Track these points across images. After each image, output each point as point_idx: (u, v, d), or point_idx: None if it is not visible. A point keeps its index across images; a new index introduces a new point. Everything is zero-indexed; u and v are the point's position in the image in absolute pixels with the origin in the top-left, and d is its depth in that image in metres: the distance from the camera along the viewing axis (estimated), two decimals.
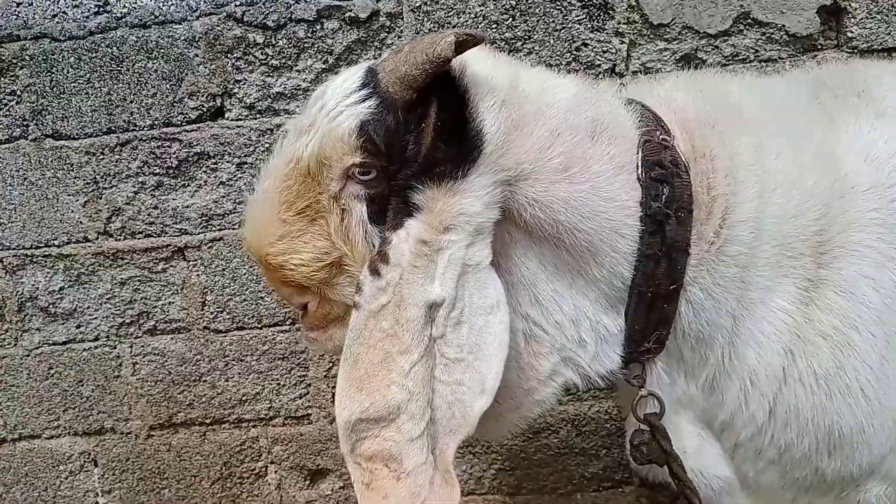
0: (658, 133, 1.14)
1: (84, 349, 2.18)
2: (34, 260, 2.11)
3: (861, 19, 1.84)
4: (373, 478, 1.02)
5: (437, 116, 1.02)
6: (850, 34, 1.85)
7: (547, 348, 1.11)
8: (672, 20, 1.86)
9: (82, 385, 2.20)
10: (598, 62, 1.90)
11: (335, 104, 1.07)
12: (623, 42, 1.89)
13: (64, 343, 2.18)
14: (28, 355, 2.19)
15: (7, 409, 2.23)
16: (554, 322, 1.11)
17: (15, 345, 2.19)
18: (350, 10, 1.90)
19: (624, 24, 1.87)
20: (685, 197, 1.10)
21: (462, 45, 0.99)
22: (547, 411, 1.16)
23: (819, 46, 1.88)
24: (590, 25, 1.88)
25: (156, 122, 2.00)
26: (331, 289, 1.13)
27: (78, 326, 2.16)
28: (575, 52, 1.90)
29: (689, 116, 1.21)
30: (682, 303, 1.13)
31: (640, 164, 1.10)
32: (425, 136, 1.02)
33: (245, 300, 2.10)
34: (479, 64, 1.07)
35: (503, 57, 1.15)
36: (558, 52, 1.90)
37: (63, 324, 2.16)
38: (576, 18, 1.88)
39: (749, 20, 1.86)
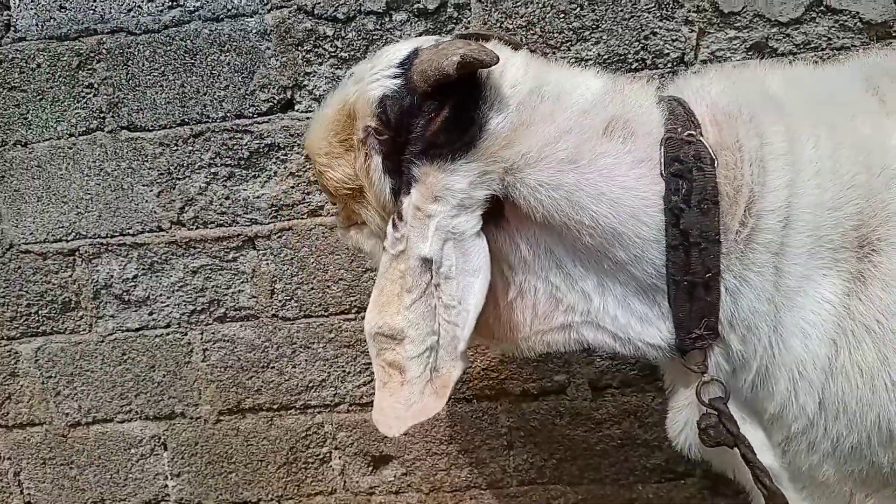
0: (682, 129, 1.21)
1: (156, 335, 2.24)
2: (109, 248, 2.18)
3: None
4: (389, 379, 1.28)
5: (448, 111, 1.21)
6: None
7: (564, 307, 1.28)
8: (743, 8, 1.85)
9: (154, 370, 2.26)
10: (667, 51, 1.90)
11: (378, 70, 1.28)
12: (692, 30, 1.88)
13: (137, 330, 2.24)
14: (102, 341, 2.26)
15: (82, 393, 2.31)
16: (578, 289, 1.27)
17: (90, 331, 2.26)
18: (418, 2, 1.92)
19: (694, 12, 1.86)
20: (708, 189, 1.17)
21: (465, 66, 1.16)
22: (554, 352, 1.35)
23: (894, 34, 1.85)
24: (658, 14, 1.88)
25: (228, 114, 2.05)
26: (353, 202, 1.40)
27: (150, 313, 2.22)
28: (643, 41, 1.89)
29: (719, 109, 1.26)
30: (722, 290, 1.18)
31: (661, 160, 1.19)
32: (433, 123, 1.21)
33: (312, 289, 2.14)
34: (510, 69, 1.25)
35: (538, 61, 1.32)
36: (626, 41, 1.89)
37: (136, 311, 2.22)
38: (644, 7, 1.88)
39: (822, 7, 1.83)
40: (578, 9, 1.89)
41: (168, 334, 2.24)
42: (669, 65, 1.90)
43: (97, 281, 2.21)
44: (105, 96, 2.08)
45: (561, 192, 1.18)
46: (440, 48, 1.22)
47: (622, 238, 1.19)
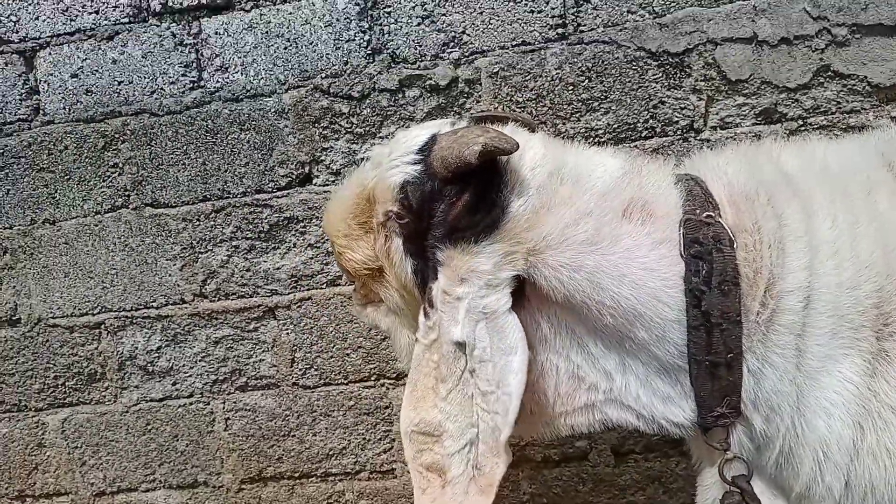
0: (700, 210, 1.22)
1: (179, 405, 2.27)
2: (134, 321, 2.23)
3: None
4: (428, 484, 1.24)
5: (470, 195, 1.22)
6: None
7: (586, 385, 1.27)
8: (750, 76, 1.88)
9: (177, 440, 2.29)
10: (676, 119, 1.92)
11: (397, 156, 1.30)
12: (701, 99, 1.91)
13: (161, 400, 2.28)
14: (127, 412, 2.30)
15: (107, 462, 2.34)
16: (600, 368, 1.26)
17: (115, 401, 2.30)
18: (430, 79, 1.98)
19: (701, 80, 1.90)
20: (728, 271, 1.17)
21: (487, 155, 1.18)
22: (579, 435, 1.40)
23: None
24: (666, 83, 1.91)
25: (248, 190, 2.11)
26: (372, 282, 1.41)
27: (174, 384, 2.26)
28: (652, 110, 1.93)
29: (736, 190, 1.26)
30: (745, 371, 1.18)
31: (681, 241, 1.20)
32: (455, 207, 1.22)
33: (332, 357, 2.16)
34: (528, 152, 1.26)
35: (555, 143, 1.34)
36: (635, 111, 1.93)
37: (160, 381, 2.26)
38: (652, 77, 1.91)
39: (829, 73, 1.86)
40: (587, 80, 1.93)
41: (191, 404, 2.27)
42: (679, 132, 1.93)
43: (122, 353, 2.26)
44: (129, 175, 2.15)
45: (582, 273, 1.19)
46: (459, 136, 1.23)
47: (643, 318, 1.19)
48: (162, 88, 2.11)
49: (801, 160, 1.32)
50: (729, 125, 1.92)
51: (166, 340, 2.23)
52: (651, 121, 1.93)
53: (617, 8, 1.91)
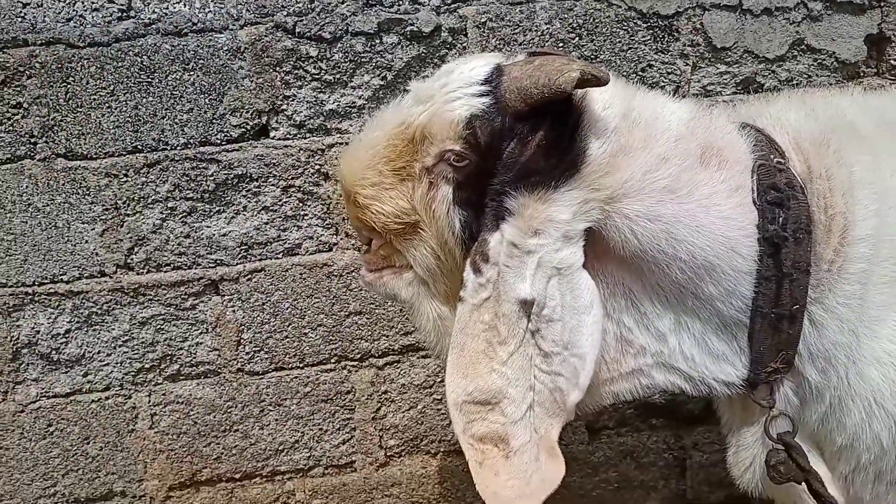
0: (772, 156, 1.19)
1: (92, 401, 1.90)
2: (35, 298, 1.83)
3: None
4: (485, 457, 1.11)
5: (545, 134, 1.10)
6: (893, 62, 1.94)
7: (635, 349, 1.19)
8: (734, 44, 1.88)
9: (88, 443, 1.91)
10: (663, 83, 1.89)
11: (456, 87, 1.14)
12: (687, 64, 1.89)
13: (67, 395, 1.89)
14: (22, 411, 1.88)
15: None
16: (654, 329, 1.18)
17: (4, 399, 1.88)
18: (412, 24, 1.80)
19: (689, 46, 1.88)
20: (802, 218, 1.14)
21: (583, 83, 1.07)
22: (620, 403, 1.30)
23: (862, 73, 1.96)
24: (655, 46, 1.87)
25: (191, 141, 1.80)
26: (399, 240, 1.23)
27: (85, 375, 1.88)
28: (641, 73, 1.88)
29: (803, 137, 1.24)
30: (806, 322, 1.15)
31: (754, 188, 1.15)
32: (527, 147, 1.10)
33: (287, 337, 1.90)
34: (598, 90, 1.14)
35: (621, 83, 1.23)
36: (624, 73, 1.87)
37: (67, 372, 1.88)
38: (641, 39, 1.87)
39: (803, 46, 1.91)
40: (577, 38, 1.85)
41: (107, 398, 1.90)
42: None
43: (18, 338, 1.84)
44: (37, 118, 1.76)
45: (659, 224, 1.11)
46: (539, 64, 1.10)
47: (716, 271, 1.13)
48: (82, 15, 1.75)
49: (861, 110, 1.32)
50: (710, 93, 1.92)
51: (78, 322, 1.85)
52: (639, 83, 1.88)
53: None
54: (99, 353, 1.87)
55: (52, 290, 1.83)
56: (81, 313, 1.85)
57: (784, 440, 1.19)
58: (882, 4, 1.90)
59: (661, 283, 1.15)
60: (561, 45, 1.84)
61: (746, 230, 1.13)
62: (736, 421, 1.31)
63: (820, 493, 1.16)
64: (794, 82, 1.93)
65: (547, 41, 1.84)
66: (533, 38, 1.84)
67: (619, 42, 1.86)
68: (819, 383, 1.18)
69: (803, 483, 1.18)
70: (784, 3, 1.87)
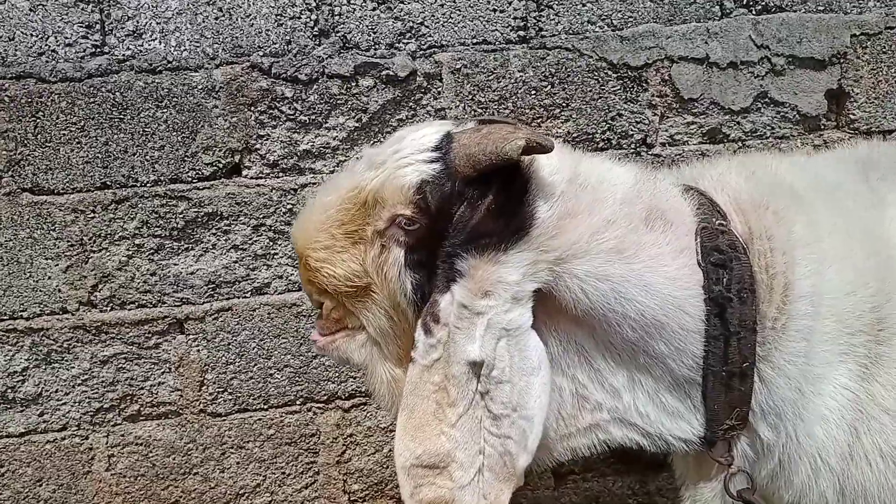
0: (714, 218, 1.22)
1: (47, 441, 1.84)
2: None
3: (861, 103, 2.00)
4: None
5: (494, 198, 1.11)
6: (852, 116, 2.01)
7: (591, 405, 1.19)
8: (700, 95, 1.93)
9: (41, 485, 1.85)
10: (632, 132, 1.93)
11: (408, 153, 1.15)
12: (655, 114, 1.93)
13: (21, 435, 1.83)
14: None
15: None
16: (608, 386, 1.18)
17: None
18: (388, 69, 1.82)
19: (657, 96, 1.92)
20: (746, 278, 1.16)
21: (529, 151, 1.09)
22: (579, 458, 1.23)
23: (822, 126, 2.02)
24: (624, 96, 1.91)
25: (161, 178, 1.79)
26: (351, 303, 1.21)
27: (41, 414, 1.83)
28: (610, 122, 1.92)
29: (744, 199, 1.27)
30: (756, 380, 1.17)
31: (698, 250, 1.17)
32: (478, 210, 1.11)
33: (251, 378, 1.87)
34: (545, 156, 1.15)
35: (567, 149, 1.27)
36: (595, 121, 1.91)
37: (22, 411, 1.82)
38: (612, 89, 1.91)
39: (767, 99, 1.97)
40: (549, 86, 1.88)
41: (63, 439, 1.84)
42: (633, 145, 1.94)
43: None
44: (4, 152, 1.74)
45: (608, 283, 1.12)
46: (487, 132, 1.12)
47: (665, 329, 1.14)
48: (54, 50, 1.74)
49: (798, 172, 1.35)
50: (677, 142, 1.96)
51: (36, 360, 1.80)
52: (608, 132, 1.92)
53: (577, 17, 1.89)
54: (57, 391, 1.82)
55: (10, 327, 1.79)
56: (40, 350, 1.80)
57: (744, 497, 1.19)
58: (842, 61, 1.97)
59: (613, 340, 1.16)
60: (534, 92, 1.88)
61: (692, 290, 1.14)
62: (692, 476, 1.31)
63: None
64: (758, 133, 1.98)
65: (520, 88, 1.87)
66: (506, 85, 1.87)
67: (590, 91, 1.90)
68: (770, 440, 1.19)
69: None
70: (749, 57, 1.93)
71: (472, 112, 1.85)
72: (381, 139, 1.84)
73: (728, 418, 1.16)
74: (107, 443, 1.85)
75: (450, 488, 1.10)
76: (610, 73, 1.90)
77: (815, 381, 1.17)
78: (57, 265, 1.78)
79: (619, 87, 1.91)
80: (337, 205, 1.19)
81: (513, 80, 1.87)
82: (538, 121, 1.88)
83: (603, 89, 1.91)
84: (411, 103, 1.85)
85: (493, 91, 1.87)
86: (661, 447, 1.20)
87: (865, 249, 1.22)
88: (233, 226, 1.82)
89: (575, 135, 1.90)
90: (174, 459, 1.88)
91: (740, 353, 1.14)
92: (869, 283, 1.19)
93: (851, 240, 1.23)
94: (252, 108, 1.79)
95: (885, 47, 1.98)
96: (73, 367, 1.82)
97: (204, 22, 1.78)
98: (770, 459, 1.20)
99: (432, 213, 1.12)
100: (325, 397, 1.91)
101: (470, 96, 1.86)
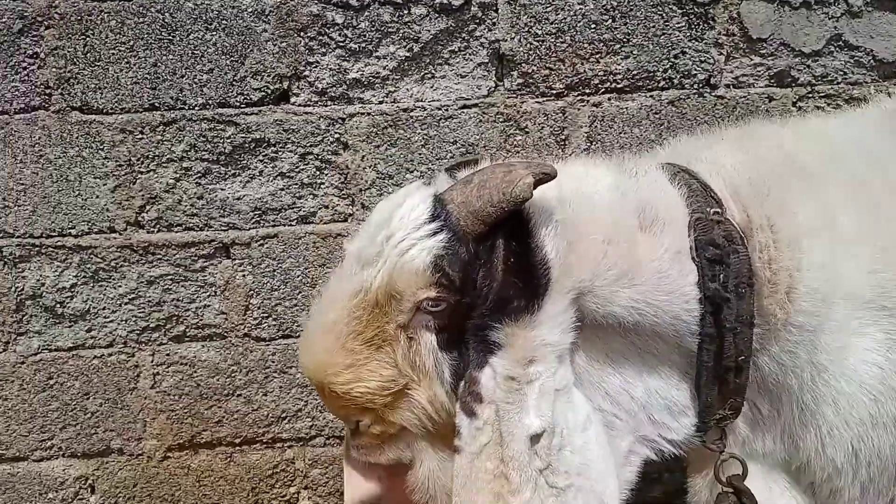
0: (709, 208, 1.12)
1: (94, 356, 1.88)
2: (42, 251, 1.81)
3: None
4: None
5: (505, 250, 1.03)
6: None
7: (618, 431, 1.11)
8: (770, 35, 1.83)
9: (88, 398, 1.90)
10: (695, 72, 1.85)
11: (404, 235, 1.06)
12: (721, 53, 1.84)
13: (70, 349, 1.87)
14: (23, 363, 1.87)
15: None
16: (625, 410, 1.12)
17: (5, 350, 1.86)
18: None
19: (724, 35, 1.83)
20: (744, 272, 1.09)
21: (538, 185, 1.01)
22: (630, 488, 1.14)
23: None
24: (689, 34, 1.82)
25: (209, 102, 1.76)
26: (391, 412, 1.11)
27: (89, 330, 1.87)
28: (673, 60, 1.83)
29: (741, 183, 1.17)
30: (753, 368, 1.12)
31: (693, 246, 1.09)
32: (495, 270, 1.03)
33: (296, 305, 1.88)
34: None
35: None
36: (656, 58, 1.82)
37: (70, 326, 1.86)
38: (676, 25, 1.82)
39: (840, 42, 1.86)
40: (610, 20, 1.80)
41: (110, 355, 1.89)
42: (696, 86, 1.85)
43: (23, 289, 1.82)
44: (54, 69, 1.73)
45: (617, 310, 1.06)
46: (480, 183, 1.04)
47: (664, 336, 1.09)
48: None
49: (809, 143, 1.25)
50: (743, 84, 1.88)
51: (84, 277, 1.83)
52: (670, 70, 1.84)
53: None
54: (104, 308, 1.86)
55: (60, 244, 1.81)
56: (88, 268, 1.83)
57: (733, 484, 1.15)
58: None
59: (625, 359, 1.11)
60: (593, 26, 1.80)
61: (689, 295, 1.08)
62: (692, 466, 1.28)
63: None
64: (829, 78, 1.88)
65: (579, 21, 1.79)
66: (565, 17, 1.79)
67: (653, 27, 1.81)
68: (771, 415, 1.16)
69: None
70: None
71: (528, 45, 1.78)
72: (432, 71, 1.79)
73: (722, 408, 1.12)
74: (152, 361, 1.89)
75: None
76: (675, 8, 1.81)
77: (824, 368, 1.12)
78: (105, 184, 1.78)
79: (683, 24, 1.82)
80: (344, 318, 1.09)
81: (572, 13, 1.79)
82: (597, 56, 1.81)
83: (667, 25, 1.81)
84: (464, 34, 1.78)
85: (551, 23, 1.79)
86: (667, 456, 1.15)
87: (889, 219, 1.14)
88: (280, 153, 1.80)
89: (635, 72, 1.83)
90: (218, 381, 1.91)
91: (736, 348, 1.08)
92: (893, 261, 1.11)
93: (869, 211, 1.14)
94: (302, 34, 1.75)
95: None
96: (121, 286, 1.84)
97: None
98: (772, 430, 1.17)
99: (457, 286, 1.03)
100: None
101: (526, 28, 1.78)
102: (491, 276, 1.03)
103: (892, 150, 1.25)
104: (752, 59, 1.86)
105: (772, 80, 1.87)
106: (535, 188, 1.00)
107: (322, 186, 1.83)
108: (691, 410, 1.14)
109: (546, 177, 1.02)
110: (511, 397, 1.00)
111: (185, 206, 1.81)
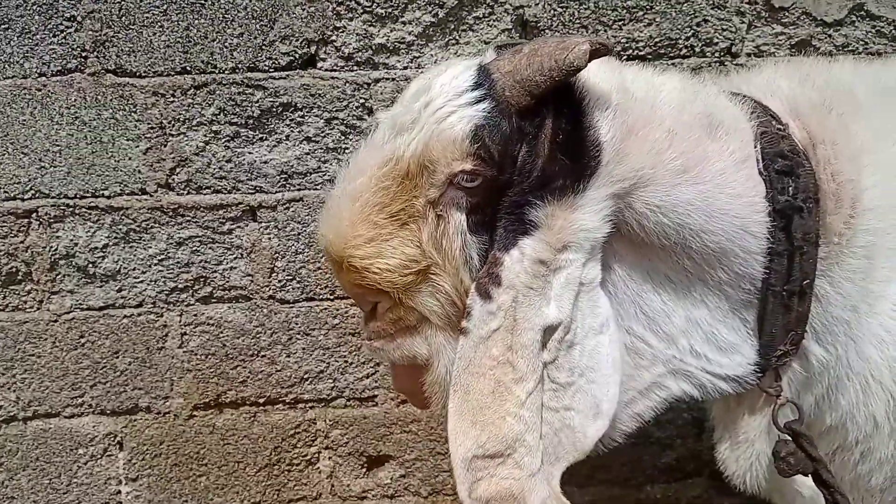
0: (773, 122, 1.10)
1: (124, 316, 1.93)
2: (76, 211, 1.86)
3: None
4: None
5: (553, 126, 0.98)
6: None
7: (648, 360, 1.08)
8: (792, 4, 1.85)
9: (118, 357, 1.95)
10: (717, 40, 1.86)
11: (444, 102, 1.00)
12: (743, 21, 1.86)
13: (101, 308, 1.92)
14: (55, 321, 1.92)
15: (22, 382, 1.95)
16: (662, 333, 1.08)
17: (39, 308, 1.92)
18: None
19: (746, 3, 1.84)
20: (811, 186, 1.06)
21: (595, 55, 0.95)
22: (644, 423, 1.12)
23: None
24: (711, 1, 1.84)
25: (239, 66, 1.80)
26: (410, 295, 1.05)
27: (119, 290, 1.91)
28: (695, 28, 1.85)
29: (800, 102, 1.17)
30: (813, 299, 1.09)
31: (760, 158, 1.06)
32: (541, 146, 0.98)
33: (319, 268, 1.92)
34: (593, 65, 0.99)
35: (603, 59, 1.07)
36: (679, 26, 1.84)
37: (102, 286, 1.91)
38: None
39: (863, 11, 1.86)
40: None
41: (139, 315, 1.93)
42: (717, 54, 1.87)
43: (56, 249, 1.88)
44: (90, 32, 1.77)
45: (673, 214, 1.01)
46: (532, 51, 0.99)
47: (726, 256, 1.04)
48: None
49: (858, 74, 1.26)
50: (764, 53, 1.89)
51: (116, 238, 1.88)
52: (692, 38, 1.86)
53: None
54: (134, 269, 1.90)
55: (92, 205, 1.86)
56: (120, 229, 1.88)
57: (793, 429, 1.11)
58: None
59: (671, 275, 1.07)
60: None
61: (757, 206, 1.05)
62: (731, 414, 1.22)
63: (829, 483, 1.11)
64: (850, 48, 1.89)
65: None
66: None
67: None
68: (822, 363, 1.12)
69: (810, 475, 1.12)
70: None
71: (552, 11, 1.81)
72: (456, 37, 1.82)
73: (783, 343, 1.08)
74: (180, 321, 1.94)
75: (517, 478, 0.97)
76: None
77: (873, 300, 1.10)
78: (137, 147, 1.83)
79: None
80: (371, 187, 1.03)
81: None
82: (619, 23, 1.83)
83: None
84: (489, 0, 1.81)
85: None
86: (713, 394, 1.12)
87: None
88: (306, 117, 1.84)
89: (657, 39, 1.85)
90: (243, 341, 1.96)
91: (802, 270, 1.05)
92: None
93: None
94: None
95: None
96: (151, 247, 1.89)
97: None
98: (820, 383, 1.14)
99: (496, 161, 0.98)
100: None
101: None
102: (536, 152, 0.98)
103: None
104: (773, 28, 1.87)
105: (793, 50, 1.89)
106: (590, 59, 0.94)
107: (347, 151, 1.87)
108: (743, 348, 1.09)
109: (604, 48, 0.96)
110: (535, 283, 0.97)
111: (214, 169, 1.85)
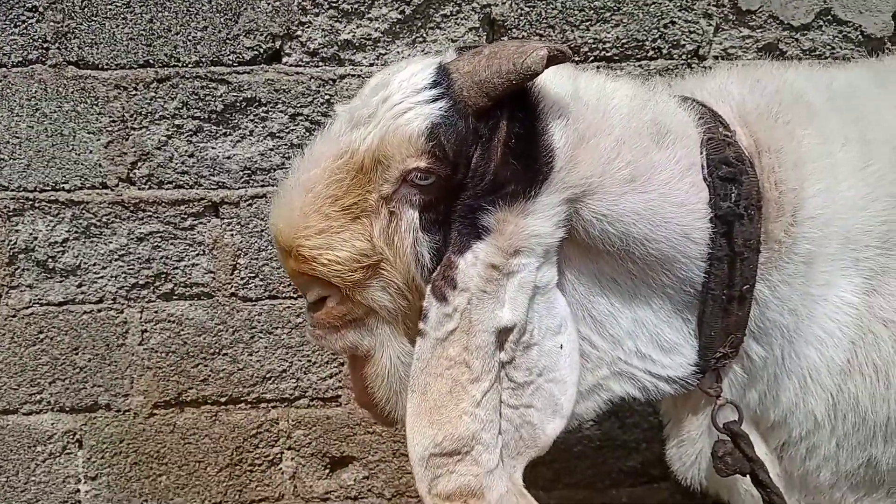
0: (720, 129, 1.11)
1: (84, 311, 1.91)
2: (36, 205, 1.83)
3: None
4: None
5: (507, 130, 0.99)
6: None
7: (593, 363, 1.10)
8: (759, 7, 1.85)
9: (77, 353, 1.92)
10: (684, 42, 1.86)
11: (402, 98, 1.01)
12: (710, 24, 1.86)
13: (60, 304, 1.90)
14: (14, 316, 1.89)
15: None
16: (609, 336, 1.10)
17: None
18: None
19: (713, 6, 1.84)
20: (754, 194, 1.08)
21: (553, 61, 0.96)
22: (584, 422, 1.16)
23: (887, 49, 1.92)
24: (679, 3, 1.84)
25: (203, 60, 1.79)
26: (359, 290, 1.06)
27: (80, 285, 1.89)
28: (662, 30, 1.85)
29: (748, 109, 1.18)
30: (752, 303, 1.10)
31: (705, 164, 1.08)
32: (494, 150, 0.99)
33: (282, 266, 1.90)
34: (548, 71, 1.00)
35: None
36: (646, 28, 1.84)
37: (61, 281, 1.88)
38: None
39: (829, 16, 1.87)
40: None
41: (100, 311, 1.91)
42: (685, 56, 1.87)
43: (15, 243, 1.85)
44: (52, 23, 1.75)
45: (619, 224, 1.02)
46: (491, 53, 0.99)
47: (669, 261, 1.06)
48: None
49: (810, 80, 1.26)
50: (731, 56, 1.89)
51: (76, 232, 1.86)
52: (660, 40, 1.85)
53: None
54: (94, 265, 1.88)
55: (52, 198, 1.84)
56: (80, 223, 1.85)
57: (731, 429, 1.13)
58: None
59: (617, 281, 1.08)
60: None
61: (699, 213, 1.06)
62: (677, 412, 1.25)
63: (765, 483, 1.12)
64: (817, 52, 1.89)
65: None
66: None
67: None
68: (760, 361, 1.14)
69: (749, 475, 1.13)
70: None
71: (519, 10, 1.80)
72: (423, 35, 1.81)
73: (722, 345, 1.10)
74: (141, 318, 1.92)
75: (476, 475, 0.99)
76: None
77: (811, 303, 1.11)
78: (98, 140, 1.81)
79: None
80: (325, 179, 1.03)
81: None
82: (587, 24, 1.82)
83: None
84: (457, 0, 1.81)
85: None
86: (656, 395, 1.13)
87: (881, 159, 1.14)
88: (270, 113, 1.82)
89: (624, 41, 1.84)
90: (204, 339, 1.93)
91: (742, 275, 1.06)
92: (882, 196, 1.12)
93: (865, 151, 1.14)
94: None
95: None
96: (111, 242, 1.87)
97: None
98: (760, 380, 1.15)
99: (451, 160, 0.98)
100: None
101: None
102: (489, 156, 0.99)
103: (879, 94, 1.25)
104: (740, 32, 1.87)
105: (760, 53, 1.89)
106: (548, 65, 0.96)
107: None
108: (685, 349, 1.11)
109: (561, 54, 0.97)
110: (488, 287, 0.98)
111: (176, 163, 1.83)
